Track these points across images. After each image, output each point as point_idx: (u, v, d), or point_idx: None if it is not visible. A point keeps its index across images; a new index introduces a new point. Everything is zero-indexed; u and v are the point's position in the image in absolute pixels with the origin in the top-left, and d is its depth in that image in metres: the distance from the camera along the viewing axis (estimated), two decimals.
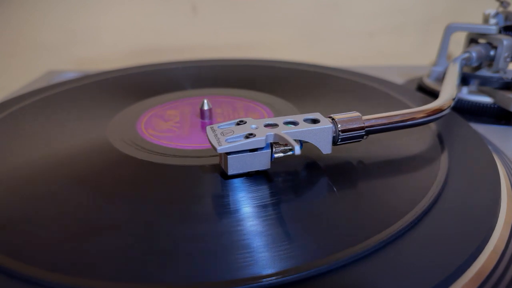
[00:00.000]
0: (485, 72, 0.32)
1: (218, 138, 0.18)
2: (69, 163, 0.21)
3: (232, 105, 0.29)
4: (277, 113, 0.27)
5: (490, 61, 0.32)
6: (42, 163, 0.21)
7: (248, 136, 0.18)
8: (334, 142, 0.19)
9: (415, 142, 0.23)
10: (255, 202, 0.17)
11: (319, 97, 0.31)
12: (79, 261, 0.14)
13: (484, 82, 0.32)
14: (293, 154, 0.19)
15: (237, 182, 0.19)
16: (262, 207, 0.17)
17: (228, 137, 0.18)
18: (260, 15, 0.50)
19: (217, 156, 0.21)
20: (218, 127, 0.19)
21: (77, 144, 0.23)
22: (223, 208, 0.17)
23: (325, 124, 0.19)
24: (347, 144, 0.20)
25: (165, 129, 0.25)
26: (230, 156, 0.18)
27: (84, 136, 0.24)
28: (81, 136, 0.24)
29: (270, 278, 0.13)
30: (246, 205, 0.17)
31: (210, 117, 0.27)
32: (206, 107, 0.26)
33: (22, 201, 0.18)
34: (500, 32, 0.32)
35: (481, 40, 0.33)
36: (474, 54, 0.30)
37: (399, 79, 0.40)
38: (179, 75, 0.37)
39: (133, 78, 0.36)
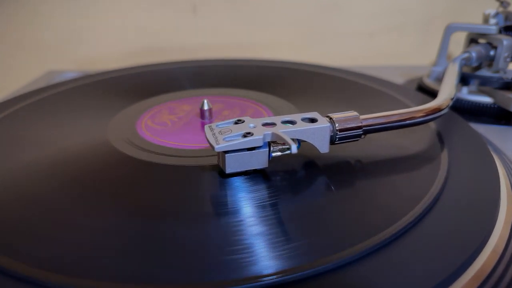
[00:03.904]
0: (485, 72, 0.32)
1: (216, 137, 0.18)
2: (69, 163, 0.21)
3: (232, 105, 0.29)
4: (277, 113, 0.27)
5: (490, 61, 0.32)
6: (42, 163, 0.21)
7: (246, 135, 0.18)
8: (332, 141, 0.19)
9: (414, 142, 0.23)
10: (253, 201, 0.17)
11: (319, 97, 0.31)
12: (79, 261, 0.14)
13: (484, 82, 0.32)
14: (291, 153, 0.19)
15: (235, 181, 0.19)
16: (260, 206, 0.17)
17: (226, 136, 0.18)
18: (260, 15, 0.50)
19: (216, 156, 0.21)
20: (216, 126, 0.19)
21: (77, 144, 0.23)
22: (222, 207, 0.17)
23: (323, 123, 0.19)
24: (345, 144, 0.20)
25: (165, 129, 0.25)
26: (228, 154, 0.18)
27: (84, 136, 0.24)
28: (81, 136, 0.24)
29: (269, 278, 0.13)
30: (244, 204, 0.17)
31: (210, 117, 0.27)
32: (206, 107, 0.26)
33: (22, 201, 0.18)
34: (500, 32, 0.32)
35: (481, 40, 0.33)
36: (474, 54, 0.30)
37: (399, 79, 0.40)
38: (179, 75, 0.37)
39: (133, 78, 0.36)
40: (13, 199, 0.18)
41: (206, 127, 0.19)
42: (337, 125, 0.19)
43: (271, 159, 0.19)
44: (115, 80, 0.36)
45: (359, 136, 0.20)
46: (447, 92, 0.24)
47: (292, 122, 0.19)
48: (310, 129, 0.19)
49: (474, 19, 0.35)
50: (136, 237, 0.15)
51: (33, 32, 0.48)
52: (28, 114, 0.28)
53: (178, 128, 0.25)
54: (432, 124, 0.25)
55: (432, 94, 0.33)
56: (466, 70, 0.33)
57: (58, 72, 0.44)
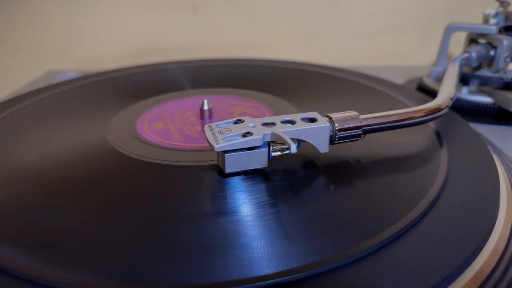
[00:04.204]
0: (485, 72, 0.32)
1: (216, 137, 0.18)
2: (69, 163, 0.21)
3: (232, 105, 0.29)
4: (277, 113, 0.27)
5: (490, 61, 0.32)
6: (42, 163, 0.21)
7: (246, 134, 0.18)
8: (331, 141, 0.19)
9: (414, 142, 0.23)
10: (253, 201, 0.17)
11: (319, 97, 0.31)
12: (78, 261, 0.14)
13: (484, 82, 0.32)
14: (290, 153, 0.19)
15: (234, 181, 0.19)
16: (260, 206, 0.17)
17: (225, 136, 0.18)
18: (260, 15, 0.50)
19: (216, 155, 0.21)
20: (216, 125, 0.19)
21: (77, 144, 0.23)
22: (221, 207, 0.17)
23: (323, 123, 0.19)
24: (345, 143, 0.20)
25: (165, 129, 0.25)
26: (227, 154, 0.18)
27: (84, 136, 0.24)
28: (81, 136, 0.24)
29: (269, 278, 0.13)
30: (244, 204, 0.17)
31: (210, 117, 0.27)
32: (206, 107, 0.26)
33: (22, 201, 0.18)
34: (500, 32, 0.32)
35: (481, 40, 0.33)
36: (474, 54, 0.30)
37: (399, 79, 0.40)
38: (179, 75, 0.37)
39: (133, 78, 0.36)
40: (13, 199, 0.18)
41: (206, 126, 0.19)
42: (336, 125, 0.19)
43: (271, 159, 0.19)
44: (115, 80, 0.36)
45: (358, 136, 0.20)
46: (447, 92, 0.24)
47: (291, 122, 0.19)
48: (310, 129, 0.19)
49: (474, 19, 0.35)
50: (136, 237, 0.15)
51: (33, 32, 0.48)
52: (28, 114, 0.28)
53: (178, 128, 0.25)
54: (432, 124, 0.25)
55: (432, 94, 0.33)
56: (466, 70, 0.33)
57: (58, 72, 0.44)
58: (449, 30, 0.35)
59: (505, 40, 0.30)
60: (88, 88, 0.33)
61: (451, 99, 0.24)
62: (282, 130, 0.18)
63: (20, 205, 0.18)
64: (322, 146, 0.19)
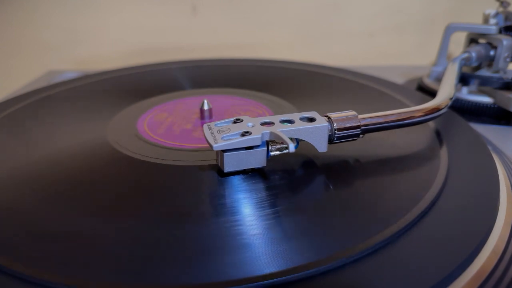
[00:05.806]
0: (485, 72, 0.32)
1: (215, 136, 0.18)
2: (69, 163, 0.21)
3: (232, 105, 0.29)
4: (276, 113, 0.27)
5: (490, 61, 0.32)
6: (42, 163, 0.21)
7: (244, 134, 0.18)
8: (330, 141, 0.19)
9: (414, 142, 0.23)
10: (252, 200, 0.17)
11: (319, 97, 0.31)
12: (78, 261, 0.14)
13: (484, 82, 0.32)
14: (289, 152, 0.19)
15: (233, 180, 0.19)
16: (259, 205, 0.17)
17: (224, 135, 0.18)
18: (260, 15, 0.50)
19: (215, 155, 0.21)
20: (215, 125, 0.19)
21: (77, 144, 0.23)
22: (220, 206, 0.17)
23: (321, 122, 0.19)
24: (344, 143, 0.20)
25: (165, 129, 0.25)
26: (226, 153, 0.18)
27: (84, 136, 0.24)
28: (81, 136, 0.24)
29: (269, 278, 0.13)
30: (243, 203, 0.17)
31: (210, 117, 0.27)
32: (206, 107, 0.26)
33: (21, 201, 0.18)
34: (500, 32, 0.32)
35: (481, 40, 0.33)
36: (473, 54, 0.30)
37: (399, 79, 0.40)
38: (179, 75, 0.37)
39: (133, 78, 0.36)
40: (13, 199, 0.18)
41: (205, 126, 0.19)
42: (335, 124, 0.19)
43: (270, 158, 0.19)
44: (115, 80, 0.36)
45: (357, 135, 0.20)
46: (446, 91, 0.24)
47: (290, 122, 0.19)
48: (309, 128, 0.18)
49: (474, 19, 0.35)
50: (135, 237, 0.15)
51: (33, 32, 0.48)
52: (28, 114, 0.28)
53: (178, 128, 0.25)
54: (432, 124, 0.25)
55: (432, 94, 0.33)
56: (466, 70, 0.33)
57: (58, 72, 0.44)
58: (449, 30, 0.35)
59: (505, 40, 0.30)
60: (88, 88, 0.34)
61: (451, 98, 0.24)
62: (280, 130, 0.18)
63: (20, 205, 0.18)
64: (321, 145, 0.19)
